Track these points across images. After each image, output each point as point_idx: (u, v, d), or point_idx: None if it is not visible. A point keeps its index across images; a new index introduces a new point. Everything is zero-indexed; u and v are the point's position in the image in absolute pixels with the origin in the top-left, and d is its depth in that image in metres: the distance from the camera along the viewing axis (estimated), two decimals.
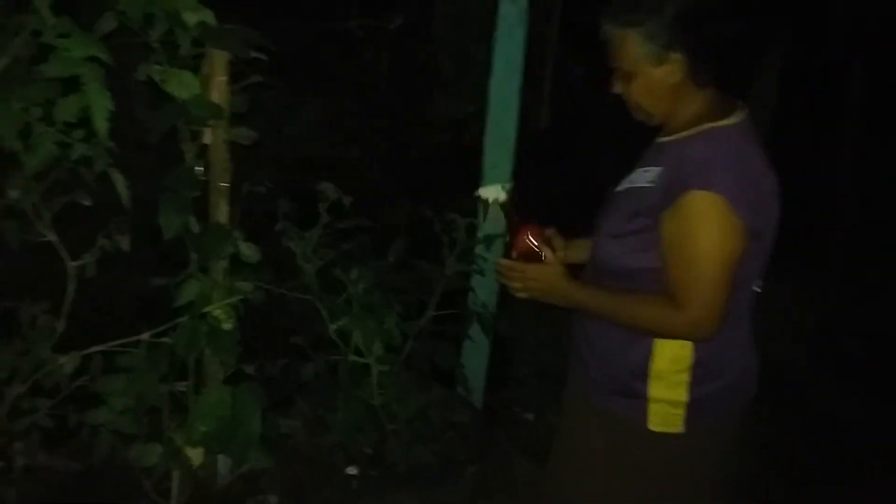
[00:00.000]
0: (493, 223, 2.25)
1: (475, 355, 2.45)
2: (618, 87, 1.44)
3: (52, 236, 1.51)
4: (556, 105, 4.70)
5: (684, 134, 1.39)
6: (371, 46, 4.46)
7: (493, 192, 1.58)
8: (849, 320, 3.55)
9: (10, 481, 1.52)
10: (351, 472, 1.99)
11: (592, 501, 1.59)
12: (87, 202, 1.46)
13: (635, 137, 1.60)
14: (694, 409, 1.45)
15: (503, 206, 1.62)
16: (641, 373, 1.46)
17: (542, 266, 1.51)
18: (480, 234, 2.21)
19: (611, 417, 1.51)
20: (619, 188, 1.49)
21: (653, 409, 1.46)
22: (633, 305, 1.43)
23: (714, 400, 1.47)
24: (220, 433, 1.50)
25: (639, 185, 1.42)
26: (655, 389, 1.45)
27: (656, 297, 1.39)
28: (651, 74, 1.39)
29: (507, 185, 1.52)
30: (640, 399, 1.46)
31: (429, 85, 4.26)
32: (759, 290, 1.47)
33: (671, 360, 1.44)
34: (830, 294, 3.64)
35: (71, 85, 1.28)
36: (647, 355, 1.45)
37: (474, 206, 2.26)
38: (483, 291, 2.29)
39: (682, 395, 1.44)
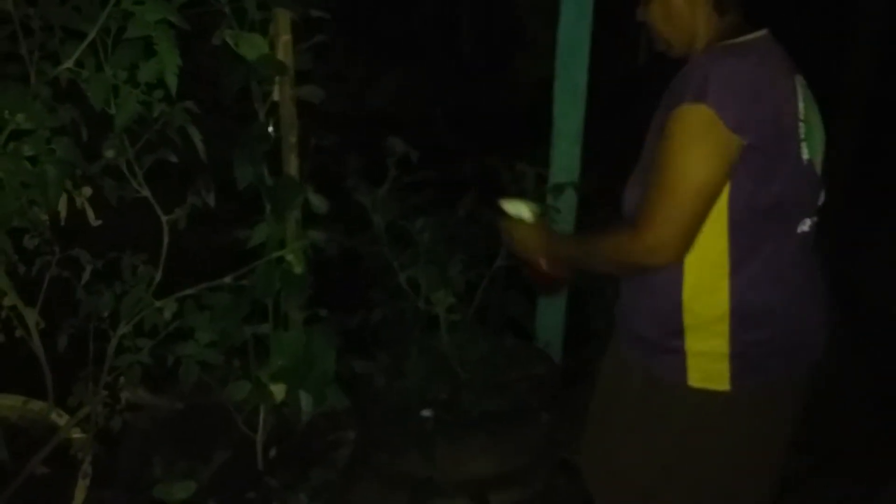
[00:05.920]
0: (562, 172, 2.25)
1: (551, 308, 2.47)
2: (640, 14, 1.41)
3: (145, 192, 1.66)
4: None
5: (697, 56, 1.33)
6: (454, 8, 4.48)
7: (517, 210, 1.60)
8: None
9: (116, 414, 1.71)
10: (426, 415, 2.08)
11: (633, 465, 1.52)
12: (173, 159, 1.61)
13: None
14: (739, 362, 1.34)
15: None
16: (675, 326, 1.36)
17: (524, 225, 1.56)
18: (550, 184, 2.23)
19: (650, 377, 1.43)
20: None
21: (692, 363, 1.36)
22: (594, 242, 1.41)
23: (762, 353, 1.35)
24: (296, 369, 1.63)
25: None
26: (692, 342, 1.35)
27: (615, 229, 1.35)
28: None
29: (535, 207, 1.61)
30: (678, 354, 1.37)
31: (512, 45, 4.25)
32: (806, 231, 1.35)
33: (704, 308, 1.34)
34: None
35: (151, 51, 1.41)
36: (677, 305, 1.36)
37: (545, 158, 2.27)
38: None
39: (722, 346, 1.33)
